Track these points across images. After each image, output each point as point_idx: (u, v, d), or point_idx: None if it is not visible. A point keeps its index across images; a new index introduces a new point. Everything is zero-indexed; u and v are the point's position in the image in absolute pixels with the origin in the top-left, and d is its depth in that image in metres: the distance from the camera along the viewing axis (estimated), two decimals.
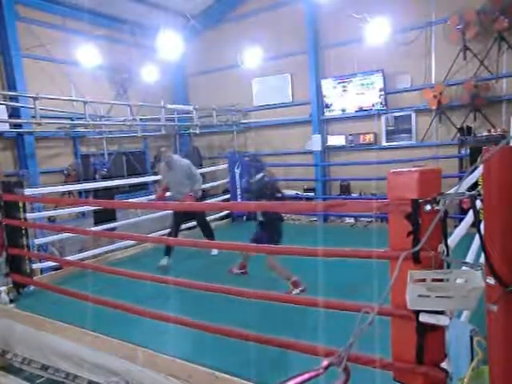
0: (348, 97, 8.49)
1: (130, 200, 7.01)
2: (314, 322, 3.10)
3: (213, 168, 8.98)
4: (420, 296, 1.67)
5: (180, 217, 5.70)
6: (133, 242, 5.98)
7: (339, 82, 8.53)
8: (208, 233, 6.08)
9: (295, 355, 2.42)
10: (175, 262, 5.38)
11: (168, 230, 5.83)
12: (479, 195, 1.67)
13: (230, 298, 3.35)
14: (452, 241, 2.31)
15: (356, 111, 8.53)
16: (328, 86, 8.68)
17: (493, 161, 1.49)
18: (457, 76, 7.39)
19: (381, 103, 8.17)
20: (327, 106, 8.79)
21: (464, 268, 1.83)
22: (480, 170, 1.93)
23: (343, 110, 8.62)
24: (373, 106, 8.29)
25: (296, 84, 9.32)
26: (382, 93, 8.09)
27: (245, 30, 9.37)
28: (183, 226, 6.11)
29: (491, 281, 1.50)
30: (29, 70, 7.46)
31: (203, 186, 8.31)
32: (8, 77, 7.27)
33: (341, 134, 8.78)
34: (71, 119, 7.86)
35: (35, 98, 6.25)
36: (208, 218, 7.97)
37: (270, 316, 3.59)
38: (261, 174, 4.75)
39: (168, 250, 5.47)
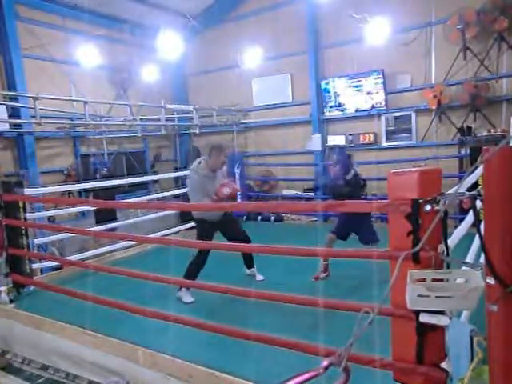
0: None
1: (129, 200, 7.00)
2: (314, 321, 3.10)
3: None
4: (420, 296, 1.67)
5: (209, 231, 4.51)
6: (133, 242, 5.97)
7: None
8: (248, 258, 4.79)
9: (295, 355, 2.42)
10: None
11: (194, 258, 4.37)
12: (479, 195, 1.67)
13: (230, 298, 3.36)
14: (452, 241, 2.31)
15: (356, 111, 8.53)
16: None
17: (493, 161, 1.49)
18: (457, 76, 7.38)
19: (381, 103, 8.18)
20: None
21: (464, 268, 1.84)
22: (480, 170, 1.93)
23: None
24: (373, 106, 8.29)
25: (296, 84, 9.31)
26: (383, 93, 8.09)
27: (245, 30, 9.37)
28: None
29: (491, 281, 1.50)
30: (29, 70, 7.45)
31: None
32: (8, 77, 7.26)
33: (341, 134, 8.77)
34: (71, 119, 7.86)
35: (35, 98, 6.25)
36: None
37: (270, 315, 3.59)
38: (353, 170, 4.61)
39: (190, 276, 4.23)
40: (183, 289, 4.33)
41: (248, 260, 4.82)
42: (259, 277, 4.81)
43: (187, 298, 4.30)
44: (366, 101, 8.33)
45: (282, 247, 2.80)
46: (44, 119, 6.74)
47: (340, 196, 4.50)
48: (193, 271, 4.28)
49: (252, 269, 4.85)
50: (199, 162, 4.57)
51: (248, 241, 4.55)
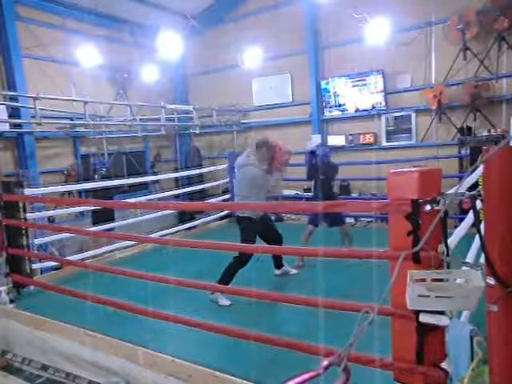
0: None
1: (129, 200, 7.00)
2: (314, 321, 3.10)
3: (213, 168, 8.98)
4: (420, 296, 1.67)
5: (256, 231, 4.32)
6: (133, 242, 5.96)
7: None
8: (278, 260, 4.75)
9: (295, 355, 2.42)
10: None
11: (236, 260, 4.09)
12: (479, 195, 1.67)
13: (232, 298, 3.35)
14: (452, 241, 2.31)
15: (356, 111, 8.52)
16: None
17: (493, 161, 1.49)
18: (457, 76, 7.39)
19: (381, 103, 8.18)
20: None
21: (464, 268, 1.83)
22: (480, 169, 1.93)
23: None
24: (373, 106, 8.29)
25: (296, 84, 9.31)
26: (382, 93, 8.09)
27: (245, 30, 9.37)
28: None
29: (491, 281, 1.50)
30: (29, 70, 7.45)
31: (203, 186, 8.37)
32: (8, 77, 7.27)
33: (341, 134, 8.77)
34: (71, 119, 7.87)
35: (35, 98, 6.25)
36: (208, 218, 8.02)
37: (270, 315, 3.59)
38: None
39: (227, 280, 3.98)
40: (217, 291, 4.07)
41: (277, 260, 4.72)
42: (293, 271, 4.81)
43: (223, 301, 4.02)
44: (366, 101, 8.33)
45: (282, 247, 2.80)
46: (44, 119, 6.75)
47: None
48: (229, 275, 4.02)
49: (283, 267, 4.78)
50: (248, 156, 4.32)
51: (281, 241, 4.42)
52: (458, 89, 7.33)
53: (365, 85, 8.26)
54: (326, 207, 2.76)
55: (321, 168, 5.24)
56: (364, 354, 2.01)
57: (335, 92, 8.66)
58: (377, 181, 7.21)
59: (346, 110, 8.65)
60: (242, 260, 4.06)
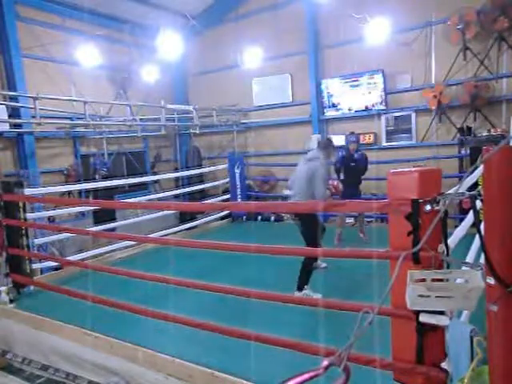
0: (355, 96, 8.42)
1: (130, 200, 7.00)
2: (314, 321, 3.10)
3: (213, 168, 8.99)
4: (420, 296, 1.67)
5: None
6: (133, 242, 5.96)
7: (346, 82, 8.47)
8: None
9: (295, 355, 2.42)
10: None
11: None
12: (479, 195, 1.67)
13: (232, 298, 3.33)
14: (452, 241, 2.31)
15: (356, 111, 8.52)
16: (335, 85, 8.61)
17: (493, 161, 1.49)
18: (457, 76, 7.38)
19: (381, 103, 8.18)
20: (334, 106, 8.74)
21: (464, 268, 1.83)
22: (480, 169, 1.93)
23: (350, 110, 8.56)
24: (373, 106, 8.29)
25: (296, 84, 9.31)
26: (382, 93, 8.09)
27: (245, 30, 9.37)
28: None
29: (491, 281, 1.50)
30: (29, 70, 7.45)
31: (203, 186, 8.37)
32: (8, 77, 7.26)
33: (341, 133, 8.77)
34: (71, 119, 7.86)
35: (35, 98, 6.25)
36: (209, 218, 8.02)
37: (270, 315, 3.59)
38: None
39: (306, 277, 4.22)
40: (306, 286, 4.20)
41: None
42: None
43: (315, 294, 4.10)
44: (366, 101, 8.33)
45: (282, 247, 2.80)
46: (44, 119, 6.74)
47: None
48: (307, 271, 4.22)
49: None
50: (318, 152, 4.59)
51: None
52: (457, 89, 7.33)
53: (365, 84, 8.26)
54: (326, 208, 2.75)
55: (354, 158, 6.26)
56: (364, 354, 2.01)
57: (328, 92, 8.66)
58: (377, 181, 7.20)
59: (343, 110, 8.66)
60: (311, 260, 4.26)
